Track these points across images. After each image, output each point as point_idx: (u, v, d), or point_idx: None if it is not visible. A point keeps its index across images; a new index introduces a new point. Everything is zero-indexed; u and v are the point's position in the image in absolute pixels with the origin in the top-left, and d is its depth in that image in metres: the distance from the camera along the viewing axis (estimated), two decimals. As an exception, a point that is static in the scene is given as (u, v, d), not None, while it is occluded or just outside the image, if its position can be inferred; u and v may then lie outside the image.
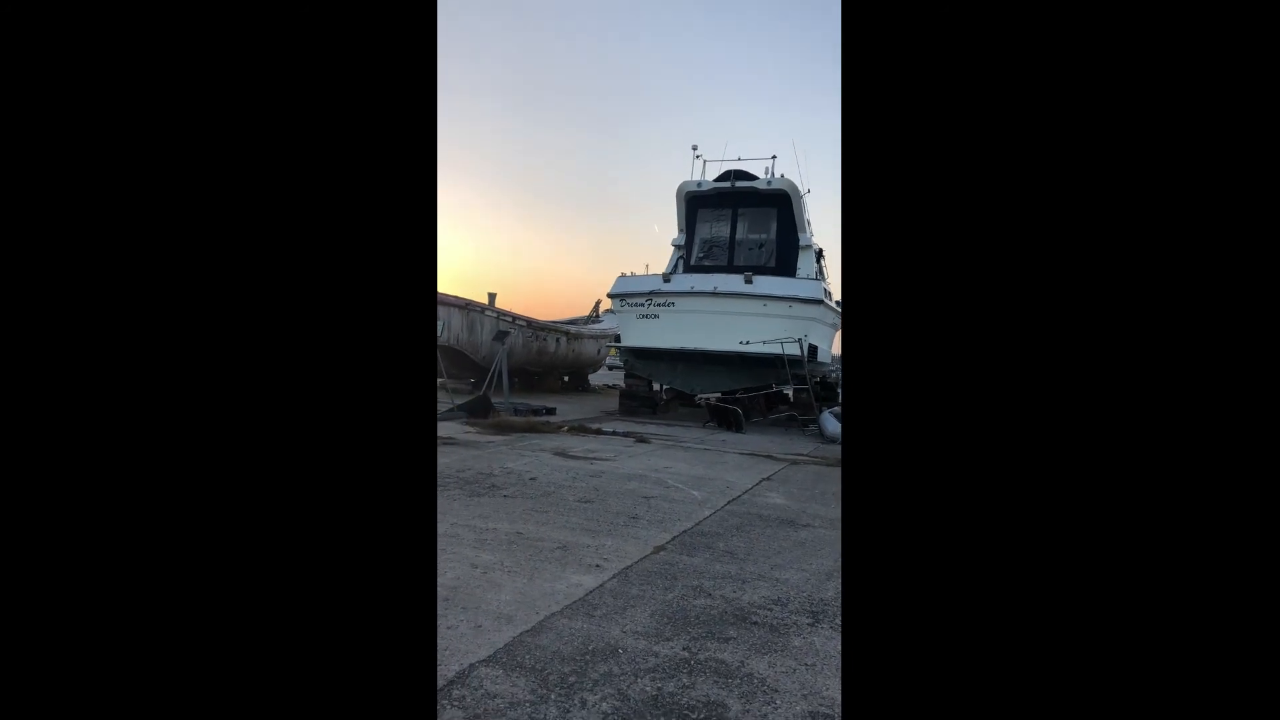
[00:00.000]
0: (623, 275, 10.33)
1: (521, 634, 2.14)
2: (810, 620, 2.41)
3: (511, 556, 2.94)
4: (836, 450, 7.27)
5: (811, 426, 8.94)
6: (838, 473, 5.84)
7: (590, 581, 2.67)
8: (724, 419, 9.00)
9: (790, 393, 10.08)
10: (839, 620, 2.43)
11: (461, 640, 2.07)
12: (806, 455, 6.74)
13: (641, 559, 3.01)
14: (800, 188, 10.79)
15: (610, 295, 10.48)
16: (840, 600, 2.65)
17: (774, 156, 12.19)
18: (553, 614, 2.32)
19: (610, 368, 17.49)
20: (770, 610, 2.48)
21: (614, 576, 2.75)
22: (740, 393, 9.62)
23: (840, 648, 2.18)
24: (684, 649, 2.10)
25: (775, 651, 2.12)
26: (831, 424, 8.35)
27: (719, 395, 9.60)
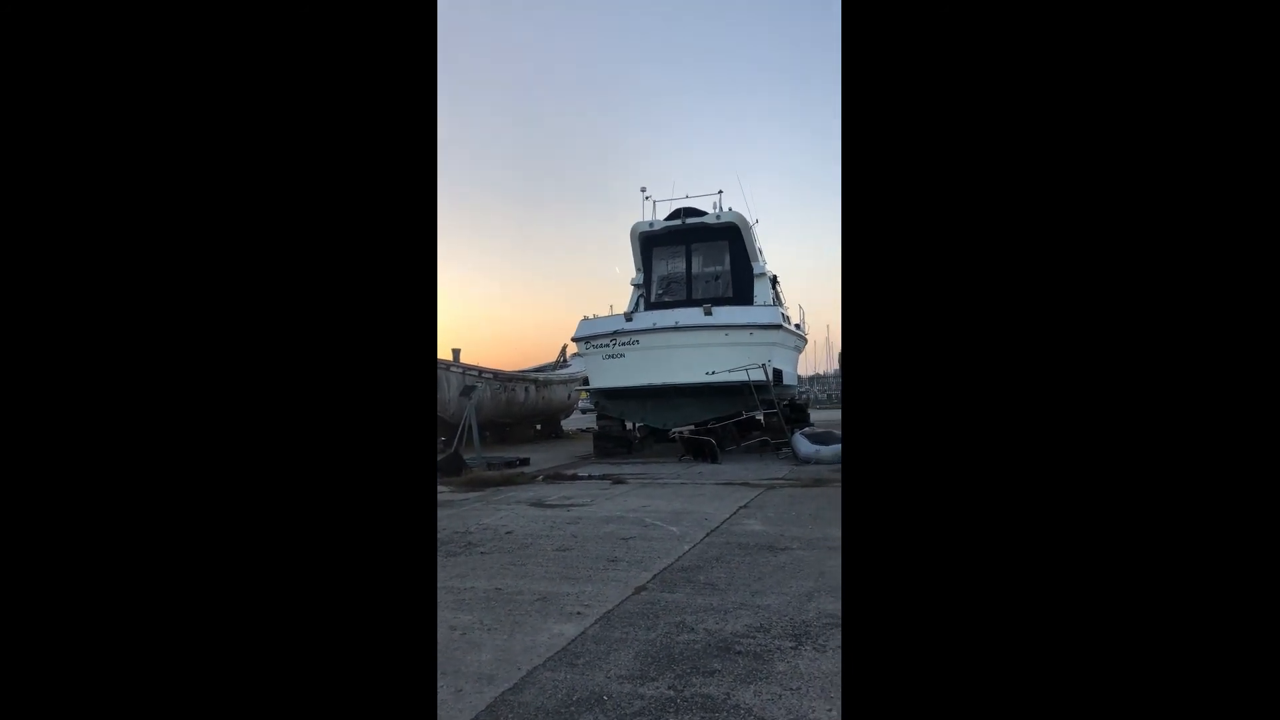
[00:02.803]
0: (586, 318, 10.40)
1: (504, 693, 2.10)
2: (793, 644, 2.41)
3: (490, 614, 2.89)
4: (811, 471, 7.33)
5: (785, 449, 9.00)
6: (813, 493, 5.88)
7: (572, 630, 2.64)
8: (699, 451, 9.02)
9: (762, 417, 10.17)
10: (821, 640, 2.44)
11: (442, 707, 2.03)
12: (782, 479, 6.77)
13: (623, 601, 2.99)
14: (749, 218, 11.09)
15: (575, 339, 10.53)
16: (820, 620, 2.67)
17: (720, 191, 12.54)
18: (535, 668, 2.28)
19: (583, 411, 17.41)
20: (753, 638, 2.48)
21: (595, 622, 2.72)
22: (713, 423, 9.66)
23: (826, 665, 2.19)
24: (669, 687, 2.08)
25: (760, 679, 2.12)
26: (804, 445, 8.43)
27: (692, 428, 9.64)
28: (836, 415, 18.42)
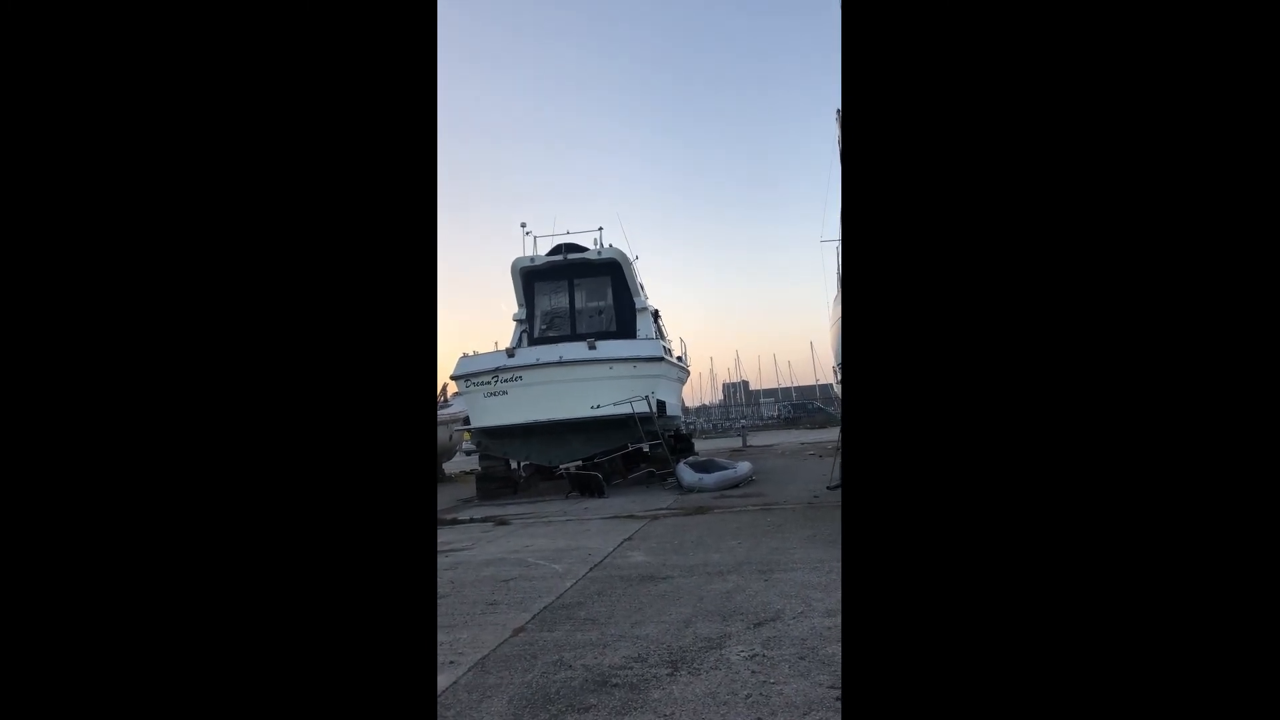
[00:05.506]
0: (465, 355, 10.13)
1: (363, 756, 1.95)
2: (669, 670, 2.43)
3: (354, 673, 2.69)
4: (694, 499, 7.49)
5: (670, 480, 9.15)
6: (695, 521, 6.02)
7: (443, 681, 2.51)
8: (586, 486, 8.96)
9: (647, 449, 10.29)
10: (696, 664, 2.48)
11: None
12: (666, 509, 6.87)
13: (499, 645, 2.89)
14: (629, 254, 11.37)
15: (454, 377, 10.20)
16: (696, 644, 2.71)
17: (600, 228, 12.80)
18: (400, 726, 2.14)
19: (467, 453, 16.76)
20: (630, 669, 2.47)
21: (470, 670, 2.61)
22: (599, 457, 9.65)
23: (700, 688, 2.22)
24: (543, 729, 2.03)
25: (635, 710, 2.11)
26: (688, 474, 8.62)
27: (579, 463, 9.57)
28: (721, 444, 18.99)
